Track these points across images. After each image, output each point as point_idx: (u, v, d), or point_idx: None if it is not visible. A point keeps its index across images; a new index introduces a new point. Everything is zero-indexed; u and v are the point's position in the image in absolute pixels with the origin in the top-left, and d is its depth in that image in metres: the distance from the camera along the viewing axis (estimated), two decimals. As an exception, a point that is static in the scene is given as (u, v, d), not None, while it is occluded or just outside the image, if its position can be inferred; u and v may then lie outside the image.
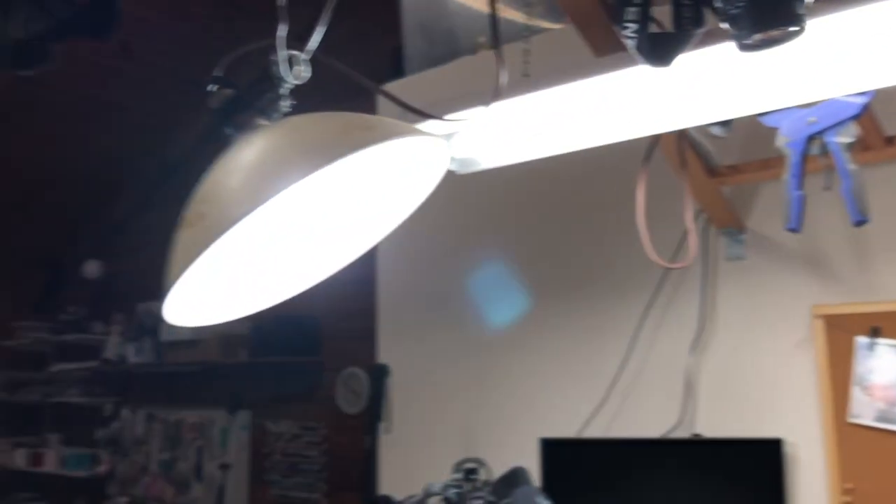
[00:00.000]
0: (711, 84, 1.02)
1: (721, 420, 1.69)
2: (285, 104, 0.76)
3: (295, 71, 0.76)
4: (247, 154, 0.66)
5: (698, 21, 0.80)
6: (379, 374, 1.91)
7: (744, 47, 0.67)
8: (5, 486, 5.15)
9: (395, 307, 2.31)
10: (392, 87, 2.54)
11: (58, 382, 4.96)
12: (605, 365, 1.79)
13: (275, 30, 0.78)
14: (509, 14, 2.55)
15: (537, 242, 2.00)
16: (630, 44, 0.70)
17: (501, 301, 1.92)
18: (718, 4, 0.68)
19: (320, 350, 3.93)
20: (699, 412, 1.72)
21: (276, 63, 0.75)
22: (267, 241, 0.76)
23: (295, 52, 0.76)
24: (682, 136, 1.24)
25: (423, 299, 2.24)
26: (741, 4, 0.66)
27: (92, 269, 5.15)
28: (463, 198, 2.17)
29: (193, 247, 0.62)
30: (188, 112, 4.24)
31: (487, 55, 2.28)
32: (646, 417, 1.75)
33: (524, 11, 1.80)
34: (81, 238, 5.33)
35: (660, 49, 0.72)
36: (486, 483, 1.22)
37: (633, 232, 1.31)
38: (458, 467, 1.22)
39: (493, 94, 0.89)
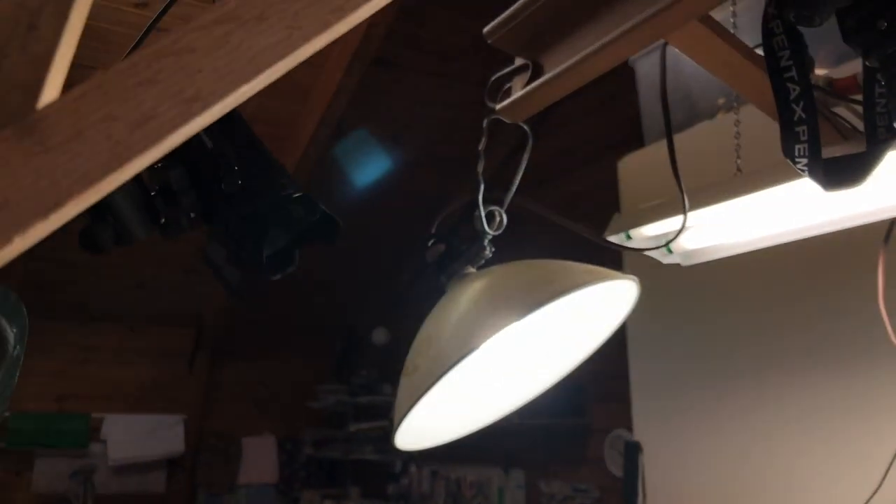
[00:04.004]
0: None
1: None
2: (487, 252, 0.87)
3: (494, 224, 0.87)
4: (446, 314, 0.77)
5: (893, 130, 0.78)
6: (631, 452, 1.92)
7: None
8: (318, 532, 5.81)
9: (648, 378, 2.31)
10: (631, 158, 2.58)
11: (355, 440, 5.50)
12: (879, 447, 1.64)
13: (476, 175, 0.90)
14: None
15: (794, 322, 1.90)
16: (803, 174, 0.71)
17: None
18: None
19: (586, 412, 3.98)
20: None
21: (478, 219, 0.87)
22: (474, 376, 0.87)
23: (494, 208, 0.87)
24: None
25: (678, 375, 2.22)
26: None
27: (379, 335, 5.70)
28: (711, 283, 2.13)
29: (410, 395, 0.75)
30: (450, 193, 4.62)
31: (727, 118, 2.24)
32: (932, 507, 1.57)
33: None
34: (370, 307, 5.94)
35: (840, 173, 0.72)
36: None
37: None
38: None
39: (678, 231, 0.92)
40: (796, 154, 0.69)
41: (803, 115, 0.68)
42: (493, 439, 4.36)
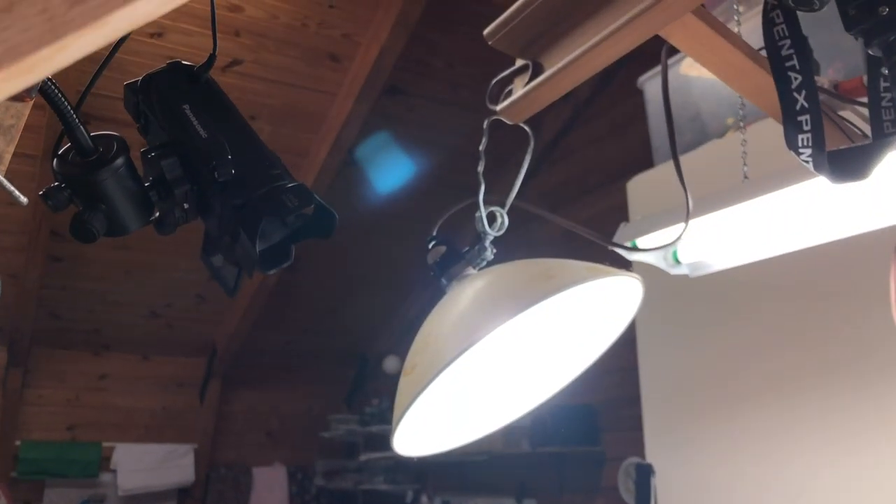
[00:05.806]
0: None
1: None
2: (489, 253, 0.86)
3: (496, 224, 0.86)
4: (446, 313, 0.76)
5: (900, 124, 0.76)
6: (643, 475, 1.88)
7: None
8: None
9: (660, 401, 2.27)
10: (640, 178, 2.57)
11: (367, 470, 5.44)
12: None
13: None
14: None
15: (806, 339, 1.87)
16: (808, 167, 0.70)
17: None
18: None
19: (600, 440, 3.91)
20: None
21: (479, 220, 0.86)
22: (479, 377, 0.85)
23: (494, 208, 0.86)
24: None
25: (689, 397, 2.18)
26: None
27: (390, 364, 5.66)
28: (722, 301, 2.10)
29: (409, 393, 0.73)
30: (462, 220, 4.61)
31: (736, 137, 2.23)
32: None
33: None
34: (381, 336, 5.92)
35: (845, 166, 0.70)
36: None
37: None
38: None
39: (685, 217, 0.91)
40: (800, 145, 0.68)
41: (805, 105, 0.67)
42: (505, 468, 4.31)
